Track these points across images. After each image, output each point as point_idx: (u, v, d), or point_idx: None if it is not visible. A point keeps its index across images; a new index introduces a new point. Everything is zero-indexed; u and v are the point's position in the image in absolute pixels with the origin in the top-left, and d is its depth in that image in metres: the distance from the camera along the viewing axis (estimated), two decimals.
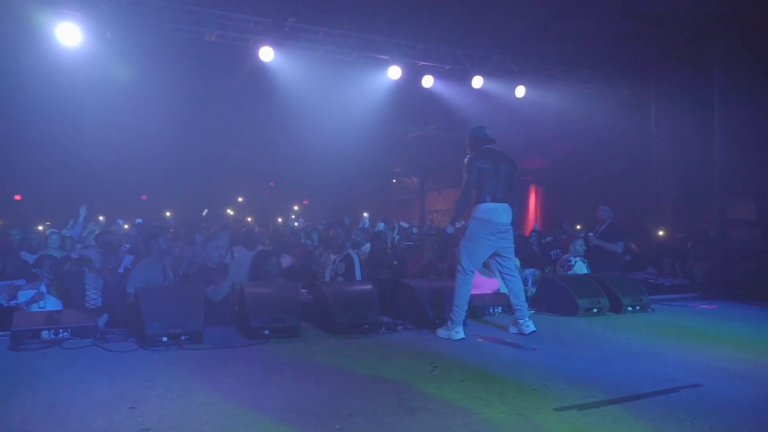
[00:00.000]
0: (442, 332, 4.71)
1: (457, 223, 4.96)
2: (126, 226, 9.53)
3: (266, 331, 4.52)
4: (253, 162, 17.50)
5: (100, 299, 5.06)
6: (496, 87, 9.91)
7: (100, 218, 9.60)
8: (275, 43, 8.07)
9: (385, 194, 23.45)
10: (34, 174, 14.65)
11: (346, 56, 8.66)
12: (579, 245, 6.99)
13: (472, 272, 4.77)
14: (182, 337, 4.23)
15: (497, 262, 5.00)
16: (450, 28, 9.05)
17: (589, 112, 11.02)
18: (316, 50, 8.48)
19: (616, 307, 5.92)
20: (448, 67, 9.34)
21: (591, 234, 7.28)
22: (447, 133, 14.77)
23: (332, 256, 6.15)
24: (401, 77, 9.06)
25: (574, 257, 6.93)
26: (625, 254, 8.21)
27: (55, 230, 8.06)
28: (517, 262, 5.64)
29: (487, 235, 4.71)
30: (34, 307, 5.11)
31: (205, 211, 10.30)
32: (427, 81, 9.37)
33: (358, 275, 6.11)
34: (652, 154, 10.70)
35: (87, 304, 5.00)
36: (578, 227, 12.72)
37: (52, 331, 4.28)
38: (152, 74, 9.03)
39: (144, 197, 19.35)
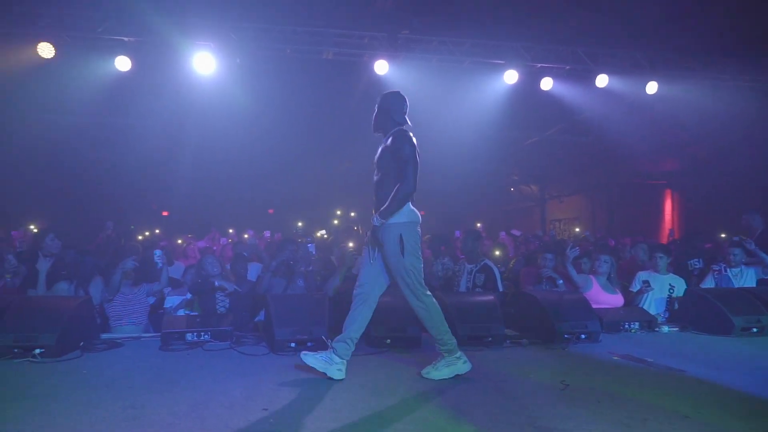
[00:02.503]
0: (327, 366, 3.53)
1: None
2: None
3: (387, 341, 4.53)
4: (368, 176, 17.97)
5: (228, 304, 5.42)
6: (623, 85, 9.20)
7: (230, 231, 10.42)
8: (389, 56, 8.22)
9: (503, 204, 22.83)
10: (177, 192, 16.19)
11: (459, 64, 8.57)
12: (737, 254, 6.10)
13: (427, 288, 3.70)
14: (308, 344, 4.36)
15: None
16: (570, 27, 8.57)
17: (732, 108, 9.85)
18: (429, 60, 8.49)
19: None
20: (568, 67, 8.84)
21: (746, 241, 6.28)
22: (568, 137, 14.06)
23: (468, 266, 6.05)
24: (518, 81, 8.76)
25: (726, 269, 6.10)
26: None
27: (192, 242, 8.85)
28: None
29: (419, 243, 3.66)
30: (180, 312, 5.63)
31: (323, 232, 10.79)
32: (546, 83, 8.95)
33: (500, 287, 5.93)
34: None
35: (217, 308, 5.38)
36: (723, 236, 11.42)
37: (195, 334, 4.65)
38: (275, 94, 9.63)
39: (271, 211, 20.65)
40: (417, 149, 3.63)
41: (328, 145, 13.80)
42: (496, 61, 8.63)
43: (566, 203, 20.53)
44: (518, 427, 2.76)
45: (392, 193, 3.54)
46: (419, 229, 3.67)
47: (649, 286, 5.70)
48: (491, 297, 5.05)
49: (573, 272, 5.73)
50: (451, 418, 2.88)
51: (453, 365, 3.62)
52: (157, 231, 12.02)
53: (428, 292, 3.70)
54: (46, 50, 7.38)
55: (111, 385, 3.40)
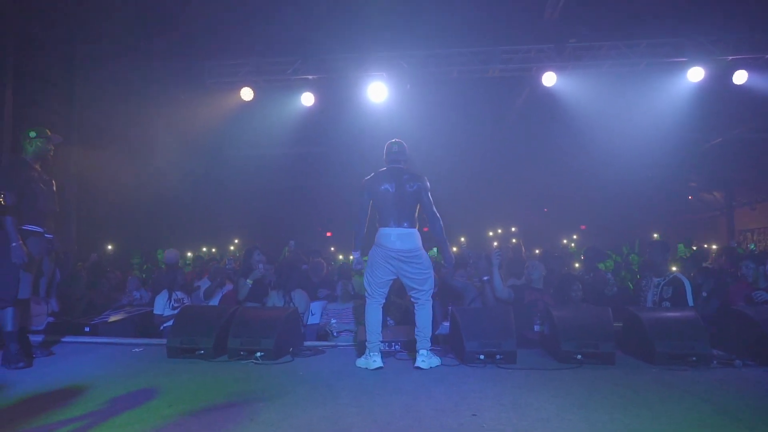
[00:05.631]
0: (360, 362, 4.54)
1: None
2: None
3: (578, 356, 4.43)
4: (527, 189, 17.53)
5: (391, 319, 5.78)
6: None
7: None
8: (557, 67, 8.09)
9: (680, 213, 20.69)
10: (338, 215, 17.32)
11: (635, 66, 8.13)
12: None
13: (375, 297, 4.57)
14: (497, 356, 4.44)
15: (407, 291, 4.74)
16: (765, 11, 7.64)
17: None
18: (600, 66, 8.19)
19: None
20: None
21: None
22: (761, 135, 12.41)
23: (655, 279, 5.71)
24: (703, 78, 8.02)
25: None
26: None
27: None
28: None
29: (382, 260, 4.56)
30: None
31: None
32: (740, 77, 8.05)
33: (690, 301, 5.51)
34: None
35: (388, 321, 5.74)
36: None
37: (387, 344, 4.99)
38: (443, 115, 9.98)
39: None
40: (375, 189, 4.54)
41: (490, 160, 13.84)
42: (677, 60, 8.03)
43: (759, 211, 18.01)
44: None
45: None
46: (382, 250, 4.55)
47: None
48: (693, 313, 4.69)
49: None
50: None
51: (367, 359, 4.46)
52: (332, 249, 13.03)
53: (371, 295, 4.62)
54: (247, 94, 8.59)
55: (328, 386, 3.81)
